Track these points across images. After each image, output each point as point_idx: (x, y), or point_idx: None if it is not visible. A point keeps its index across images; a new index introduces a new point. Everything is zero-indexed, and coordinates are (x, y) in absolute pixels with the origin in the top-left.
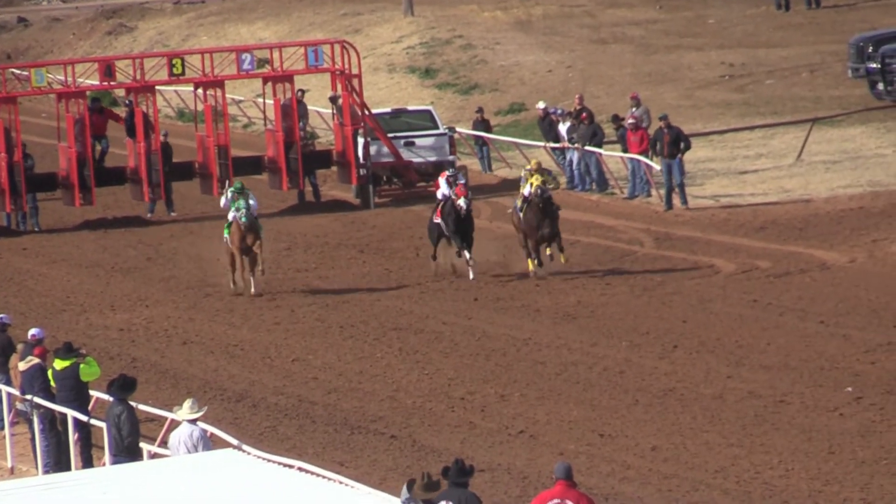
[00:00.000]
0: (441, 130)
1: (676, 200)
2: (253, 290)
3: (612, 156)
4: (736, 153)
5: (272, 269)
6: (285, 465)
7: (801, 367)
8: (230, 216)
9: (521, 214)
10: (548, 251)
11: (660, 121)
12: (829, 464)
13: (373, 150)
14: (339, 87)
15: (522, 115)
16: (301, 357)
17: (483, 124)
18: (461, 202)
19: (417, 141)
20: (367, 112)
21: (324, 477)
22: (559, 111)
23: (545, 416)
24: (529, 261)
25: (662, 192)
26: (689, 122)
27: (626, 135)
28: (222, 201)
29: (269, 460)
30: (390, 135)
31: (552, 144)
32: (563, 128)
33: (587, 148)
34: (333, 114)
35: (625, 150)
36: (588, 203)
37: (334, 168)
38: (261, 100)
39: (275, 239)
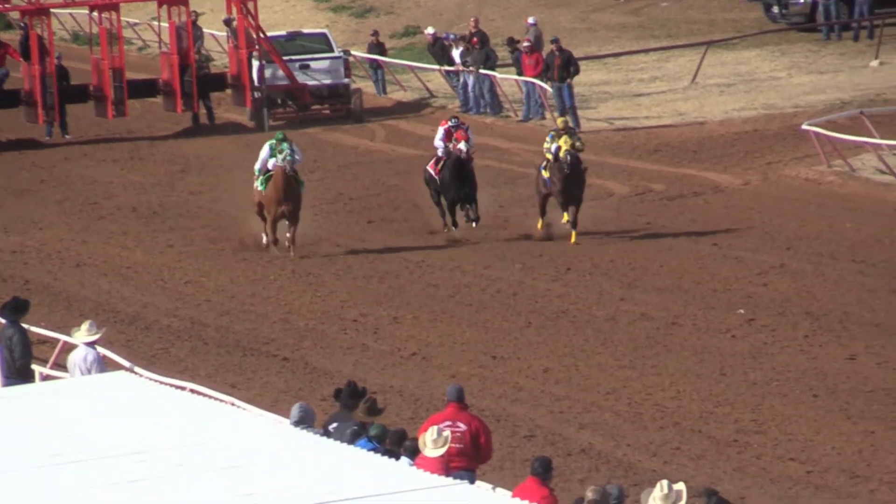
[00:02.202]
0: (336, 54)
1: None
2: (292, 252)
3: (507, 79)
4: (631, 76)
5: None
6: (177, 387)
7: (694, 290)
8: (270, 165)
9: (546, 175)
10: (565, 217)
11: (551, 44)
12: (720, 385)
13: (268, 73)
14: (233, 9)
15: (417, 38)
16: (194, 279)
17: (378, 47)
18: (461, 146)
19: (312, 64)
20: (261, 35)
21: (216, 399)
22: (451, 36)
23: (438, 338)
24: (540, 220)
25: (556, 114)
26: (585, 45)
27: (520, 58)
28: (260, 156)
29: (161, 382)
30: (285, 58)
31: (447, 68)
32: (456, 53)
33: (482, 71)
34: (228, 37)
35: (520, 73)
36: (482, 126)
37: (229, 91)
38: (156, 23)
39: (169, 161)
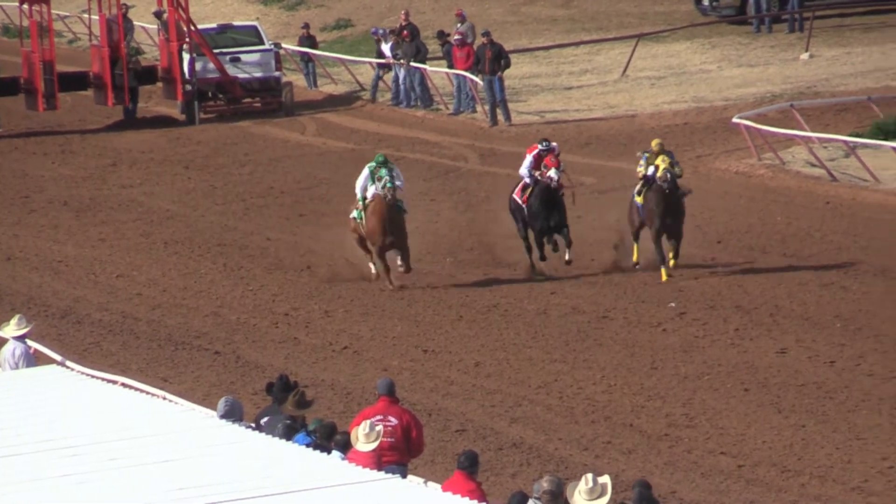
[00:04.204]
0: (267, 46)
1: (501, 116)
2: (393, 282)
3: (438, 72)
4: (561, 69)
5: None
6: (109, 381)
7: (625, 283)
8: (370, 192)
9: (640, 201)
10: (670, 256)
11: (482, 37)
12: (651, 379)
13: (198, 65)
14: (164, 2)
15: (348, 31)
16: (125, 273)
17: (309, 40)
18: (552, 173)
19: (243, 57)
20: (192, 28)
21: (147, 393)
22: (381, 31)
23: (369, 332)
24: (636, 246)
25: (487, 108)
26: (515, 37)
27: (451, 51)
28: (359, 183)
29: (92, 376)
30: (216, 51)
31: (377, 60)
32: (386, 47)
33: (413, 64)
34: (159, 29)
35: (451, 67)
36: (413, 119)
37: (160, 84)
38: (86, 15)
39: (100, 155)
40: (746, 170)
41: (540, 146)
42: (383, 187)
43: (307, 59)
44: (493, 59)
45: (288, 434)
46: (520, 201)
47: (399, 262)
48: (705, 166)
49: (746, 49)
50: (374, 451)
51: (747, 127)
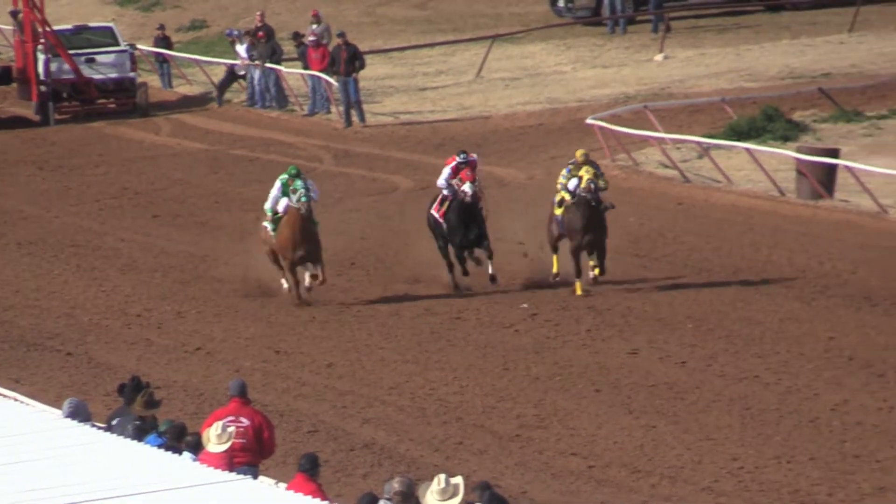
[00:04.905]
0: (122, 47)
1: (356, 117)
2: (305, 291)
3: (293, 73)
4: (416, 70)
5: None
6: None
7: (477, 284)
8: (281, 206)
9: (560, 213)
10: (591, 266)
11: (338, 38)
12: (503, 380)
13: (53, 66)
14: (20, 2)
15: (203, 32)
16: None
17: (164, 41)
18: (466, 187)
19: (98, 58)
20: (48, 28)
21: None
22: (236, 32)
23: (222, 333)
24: (555, 257)
25: (342, 109)
26: (370, 38)
27: (306, 52)
28: (271, 196)
29: None
30: (71, 51)
31: (231, 61)
32: (241, 48)
33: (267, 65)
34: (14, 30)
35: (305, 67)
36: (268, 120)
37: (14, 84)
38: None
39: None
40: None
41: (458, 158)
42: (298, 200)
43: (162, 60)
44: (348, 60)
45: (139, 435)
46: (437, 216)
47: (307, 280)
48: (559, 168)
49: (601, 50)
50: (225, 452)
51: (601, 128)
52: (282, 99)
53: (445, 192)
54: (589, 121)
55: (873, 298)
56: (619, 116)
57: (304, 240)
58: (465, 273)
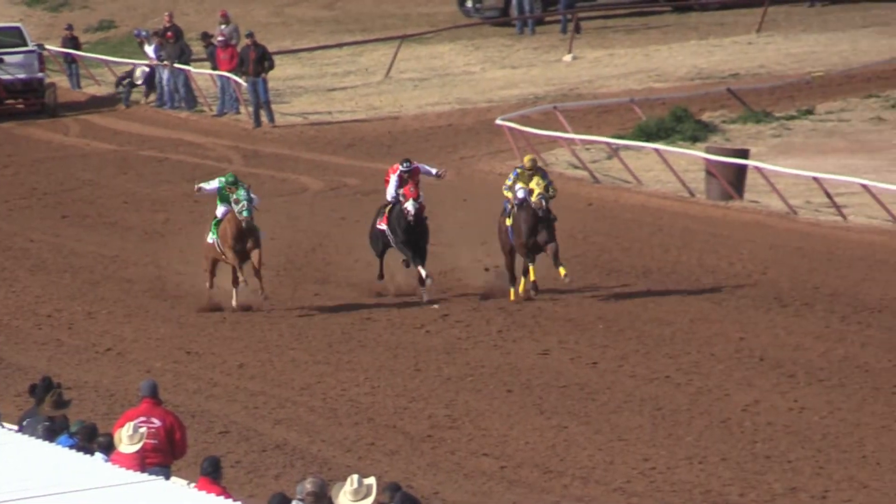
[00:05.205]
0: (30, 48)
1: (265, 118)
2: (246, 299)
3: (202, 73)
4: (325, 70)
5: None
6: None
7: (388, 284)
8: (220, 212)
9: (508, 222)
10: (562, 272)
11: (246, 38)
12: (414, 381)
13: None
14: None
15: (112, 32)
16: None
17: (72, 41)
18: (409, 206)
19: (6, 58)
20: None
21: None
22: (144, 32)
23: (133, 334)
24: (511, 289)
25: (251, 109)
26: (279, 39)
27: (215, 52)
28: (204, 187)
29: None
30: None
31: (141, 62)
32: (149, 49)
33: (176, 65)
34: None
35: (214, 68)
36: (177, 121)
37: None
38: None
39: None
40: (509, 171)
41: (402, 167)
42: (241, 212)
43: (70, 61)
44: (257, 61)
45: (49, 436)
46: (383, 227)
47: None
48: (468, 168)
49: (510, 51)
50: (137, 452)
51: (510, 128)
52: (191, 99)
53: (389, 198)
54: (498, 121)
55: (783, 299)
56: (529, 117)
57: (246, 234)
58: (381, 277)
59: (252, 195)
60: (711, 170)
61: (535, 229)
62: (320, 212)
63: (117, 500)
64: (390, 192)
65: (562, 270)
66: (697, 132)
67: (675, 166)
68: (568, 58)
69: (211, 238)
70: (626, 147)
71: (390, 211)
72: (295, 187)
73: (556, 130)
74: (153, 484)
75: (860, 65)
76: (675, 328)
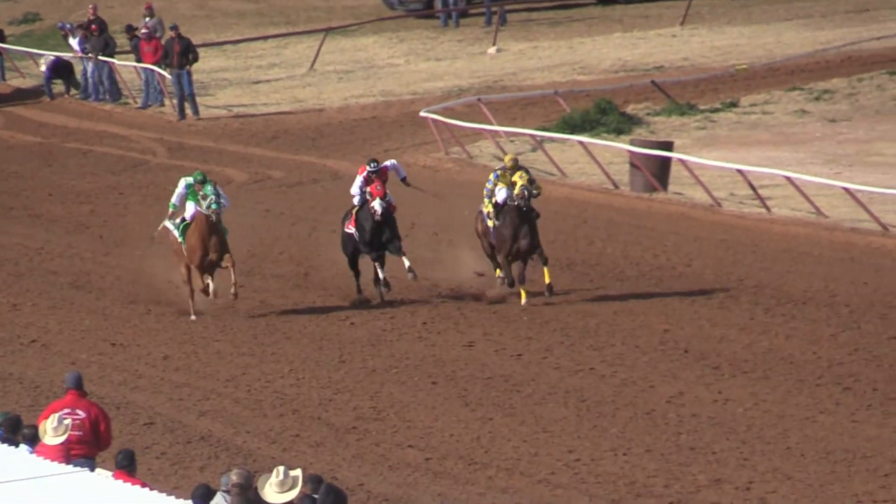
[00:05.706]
0: None
1: (189, 110)
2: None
3: (126, 66)
4: (249, 63)
5: None
6: None
7: (313, 275)
8: (188, 212)
9: (490, 221)
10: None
11: (171, 31)
12: (339, 373)
13: None
14: None
15: (36, 25)
16: None
17: None
18: (375, 204)
19: None
20: None
21: None
22: (68, 25)
23: (57, 326)
24: (498, 270)
25: (175, 101)
26: (203, 31)
27: (139, 45)
28: (177, 192)
29: None
30: None
31: (64, 54)
32: (74, 41)
33: (100, 58)
34: None
35: (139, 60)
36: (101, 113)
37: None
38: None
39: None
40: (434, 164)
41: (369, 167)
42: (209, 207)
43: None
44: (181, 53)
45: None
46: (351, 231)
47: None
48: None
49: (434, 43)
50: (62, 444)
51: (435, 121)
52: (115, 92)
53: (356, 200)
54: (422, 113)
55: (708, 291)
56: (453, 109)
57: (213, 245)
58: (378, 281)
59: (221, 193)
60: (636, 162)
61: (518, 235)
62: (245, 204)
63: (42, 492)
64: (354, 190)
65: (545, 274)
66: (622, 124)
67: (599, 158)
68: (492, 50)
69: (177, 236)
70: (551, 139)
71: (357, 213)
72: (220, 179)
73: (480, 122)
74: (78, 475)
75: (784, 57)
76: (600, 320)
